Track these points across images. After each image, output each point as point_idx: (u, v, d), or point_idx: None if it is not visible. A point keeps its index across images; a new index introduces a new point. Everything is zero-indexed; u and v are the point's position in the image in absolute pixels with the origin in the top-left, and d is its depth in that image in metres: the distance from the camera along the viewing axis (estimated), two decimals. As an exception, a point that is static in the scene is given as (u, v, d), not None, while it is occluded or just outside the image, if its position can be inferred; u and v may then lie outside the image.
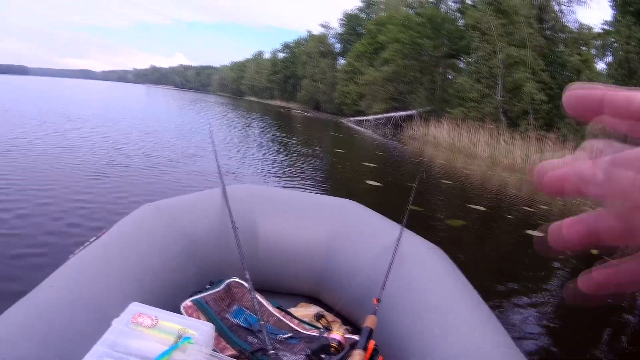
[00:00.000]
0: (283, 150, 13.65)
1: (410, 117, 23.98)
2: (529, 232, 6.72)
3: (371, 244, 2.15)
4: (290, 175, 8.88)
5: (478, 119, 17.25)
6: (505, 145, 14.61)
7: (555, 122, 15.02)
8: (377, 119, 26.97)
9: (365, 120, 28.16)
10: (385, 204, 6.57)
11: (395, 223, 2.25)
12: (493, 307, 1.77)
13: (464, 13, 21.78)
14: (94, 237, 1.95)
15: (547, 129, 14.59)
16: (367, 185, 8.25)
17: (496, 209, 8.50)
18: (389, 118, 25.71)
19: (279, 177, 8.54)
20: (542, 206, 8.93)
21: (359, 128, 25.97)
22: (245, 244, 2.12)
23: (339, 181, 9.53)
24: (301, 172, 9.49)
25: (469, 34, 19.43)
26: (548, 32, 18.06)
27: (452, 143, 17.55)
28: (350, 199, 2.66)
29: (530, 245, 6.15)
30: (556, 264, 5.71)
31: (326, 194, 7.13)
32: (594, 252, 0.36)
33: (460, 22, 23.50)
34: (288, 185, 7.95)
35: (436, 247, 2.15)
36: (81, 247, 1.87)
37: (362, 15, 43.03)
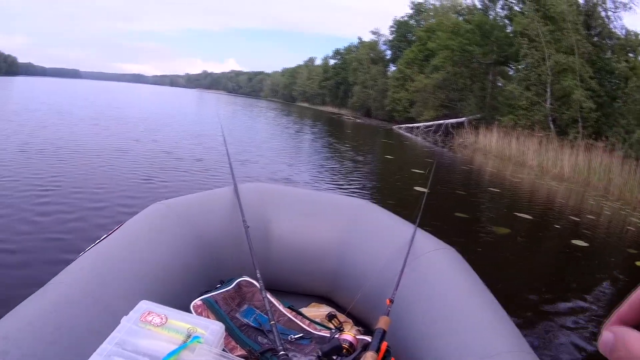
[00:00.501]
0: (334, 156, 14.18)
1: (460, 124, 23.97)
2: (575, 242, 6.76)
3: (385, 244, 2.13)
4: (340, 181, 9.22)
5: (527, 127, 17.20)
6: (554, 153, 14.56)
7: (604, 131, 14.86)
8: (427, 126, 26.99)
9: (416, 127, 28.19)
10: (430, 209, 6.78)
11: (409, 223, 2.22)
12: (526, 313, 1.79)
13: (512, 20, 21.68)
14: (105, 235, 1.96)
15: (596, 138, 14.42)
16: (415, 192, 8.36)
17: (542, 217, 8.52)
18: (439, 125, 25.72)
19: (329, 183, 8.89)
20: (589, 216, 8.94)
21: (410, 135, 26.09)
22: (256, 242, 2.10)
23: (386, 187, 9.90)
24: (350, 178, 9.89)
25: (518, 41, 19.33)
26: (595, 38, 17.80)
27: (501, 151, 17.57)
28: (364, 199, 2.67)
29: (575, 255, 6.40)
30: (601, 275, 5.75)
31: (373, 200, 7.39)
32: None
33: (509, 29, 23.35)
34: (339, 190, 8.28)
35: (451, 247, 2.12)
36: (92, 245, 1.88)
37: (412, 22, 42.89)
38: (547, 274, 5.63)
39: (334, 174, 10.20)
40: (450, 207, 7.93)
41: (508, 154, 17.04)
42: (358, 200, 2.69)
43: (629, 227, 8.66)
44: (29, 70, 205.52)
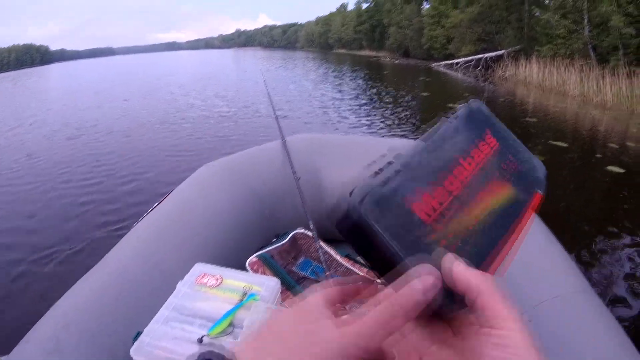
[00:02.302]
0: (374, 98, 14.59)
1: (499, 57, 23.67)
2: (610, 168, 6.85)
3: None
4: (382, 124, 9.74)
5: (567, 56, 16.94)
6: (596, 82, 14.34)
7: (646, 56, 14.62)
8: (466, 62, 26.65)
9: (455, 63, 27.86)
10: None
11: None
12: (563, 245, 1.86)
13: (544, -55, 21.12)
14: (157, 203, 1.97)
15: (638, 64, 14.13)
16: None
17: (579, 145, 8.58)
18: (478, 59, 25.43)
19: (373, 125, 9.32)
20: (628, 143, 8.80)
21: (449, 72, 25.84)
22: (308, 193, 2.09)
23: (418, 122, 10.22)
24: (392, 118, 10.46)
25: (551, -33, 18.91)
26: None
27: (542, 82, 17.38)
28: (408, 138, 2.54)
29: (608, 181, 6.45)
30: (635, 205, 5.62)
31: (416, 137, 7.88)
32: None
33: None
34: (370, 130, 8.62)
35: None
36: (145, 214, 1.90)
37: (442, -46, 41.86)
38: (580, 201, 5.73)
39: (376, 117, 10.76)
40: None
41: (549, 84, 16.85)
42: (403, 141, 2.75)
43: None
44: (64, 55, 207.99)
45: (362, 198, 0.40)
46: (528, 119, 11.06)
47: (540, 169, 0.57)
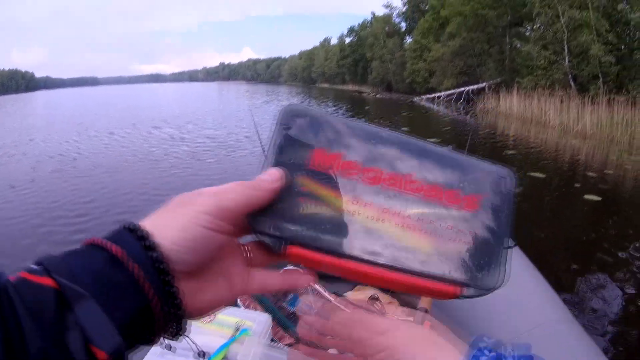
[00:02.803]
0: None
1: (481, 90, 23.81)
2: (587, 196, 6.88)
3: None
4: None
5: (548, 87, 17.02)
6: (576, 111, 14.38)
7: (626, 84, 14.59)
8: (448, 95, 26.88)
9: (437, 96, 28.13)
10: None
11: None
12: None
13: (524, -21, 21.27)
14: None
15: (618, 92, 14.20)
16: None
17: (557, 175, 8.61)
18: (460, 93, 25.56)
19: None
20: (607, 171, 8.86)
21: (431, 105, 26.06)
22: None
23: None
24: None
25: (530, 0, 19.02)
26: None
27: (522, 113, 17.48)
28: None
29: (586, 210, 6.55)
30: (611, 231, 5.79)
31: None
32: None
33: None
34: None
35: None
36: None
37: (424, -10, 42.45)
38: (556, 229, 5.71)
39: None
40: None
41: (530, 115, 16.93)
42: None
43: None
44: (48, 83, 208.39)
45: None
46: (507, 151, 11.06)
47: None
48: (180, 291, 0.40)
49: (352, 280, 0.58)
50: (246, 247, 0.49)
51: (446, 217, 0.48)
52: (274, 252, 0.47)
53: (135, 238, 0.39)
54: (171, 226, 0.41)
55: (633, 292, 3.99)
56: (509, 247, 0.51)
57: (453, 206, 0.49)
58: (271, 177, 0.46)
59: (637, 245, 5.00)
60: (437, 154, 0.50)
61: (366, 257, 0.46)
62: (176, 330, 0.42)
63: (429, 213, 0.48)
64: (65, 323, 0.33)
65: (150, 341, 0.41)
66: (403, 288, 0.48)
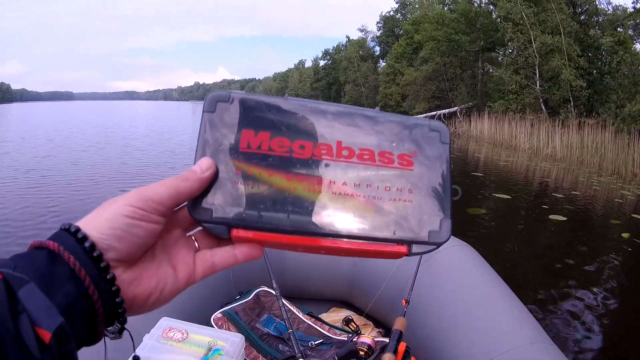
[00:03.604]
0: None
1: (453, 114, 23.92)
2: (553, 217, 6.94)
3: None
4: None
5: (519, 111, 17.17)
6: (546, 134, 14.49)
7: (597, 108, 14.74)
8: (420, 119, 26.81)
9: (409, 120, 27.97)
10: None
11: None
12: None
13: (496, 5, 21.49)
14: None
15: (588, 115, 14.36)
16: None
17: (522, 196, 8.66)
18: (432, 117, 25.52)
19: None
20: (574, 192, 9.03)
21: (403, 129, 25.95)
22: (272, 252, 2.11)
23: None
24: None
25: (503, 26, 19.21)
26: (583, 17, 17.61)
27: (493, 137, 17.61)
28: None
29: (552, 229, 6.58)
30: (581, 248, 5.78)
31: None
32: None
33: (494, 15, 23.15)
34: None
35: (465, 244, 2.16)
36: None
37: (398, 16, 42.84)
38: (522, 250, 5.75)
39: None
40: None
41: (500, 139, 17.04)
42: None
43: (618, 200, 8.67)
44: (24, 96, 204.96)
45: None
46: (475, 173, 11.06)
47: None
48: (117, 278, 0.42)
49: (301, 252, 0.49)
50: (192, 237, 0.50)
51: (383, 179, 0.48)
52: (221, 238, 0.48)
53: (69, 234, 0.41)
54: (99, 219, 0.43)
55: (601, 309, 3.97)
56: (455, 198, 0.50)
57: (388, 166, 0.48)
58: (200, 167, 0.47)
59: (601, 261, 5.14)
60: (365, 117, 0.50)
61: (310, 229, 0.46)
62: (116, 318, 0.43)
63: (365, 176, 0.48)
64: (16, 309, 0.34)
65: (95, 333, 0.42)
66: (351, 254, 0.49)
